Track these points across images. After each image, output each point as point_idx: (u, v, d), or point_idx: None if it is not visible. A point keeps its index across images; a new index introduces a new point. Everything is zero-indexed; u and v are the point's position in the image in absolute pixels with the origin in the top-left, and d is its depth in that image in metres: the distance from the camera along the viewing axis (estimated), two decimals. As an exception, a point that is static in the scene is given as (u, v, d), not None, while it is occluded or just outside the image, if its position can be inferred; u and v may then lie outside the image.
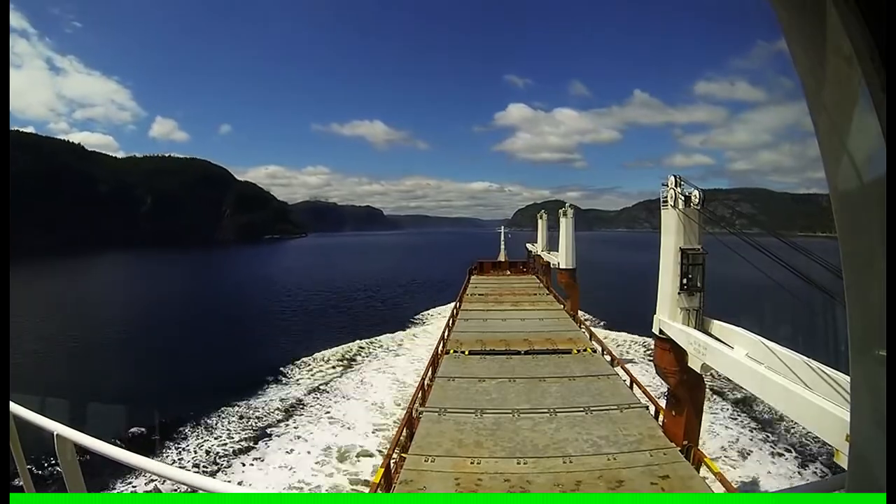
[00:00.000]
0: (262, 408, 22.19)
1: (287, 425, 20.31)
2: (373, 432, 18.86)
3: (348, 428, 19.44)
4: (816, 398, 6.40)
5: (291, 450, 17.99)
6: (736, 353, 8.81)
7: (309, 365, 28.94)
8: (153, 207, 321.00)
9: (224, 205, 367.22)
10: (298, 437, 18.99)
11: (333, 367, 28.58)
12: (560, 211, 30.88)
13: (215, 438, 19.37)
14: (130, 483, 14.91)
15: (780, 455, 17.58)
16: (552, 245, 36.67)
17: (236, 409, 22.04)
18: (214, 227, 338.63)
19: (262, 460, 17.45)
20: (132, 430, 19.60)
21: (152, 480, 14.57)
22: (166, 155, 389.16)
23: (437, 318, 40.83)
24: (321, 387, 24.85)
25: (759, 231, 10.49)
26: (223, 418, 21.08)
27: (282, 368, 28.03)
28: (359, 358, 30.33)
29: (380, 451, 16.76)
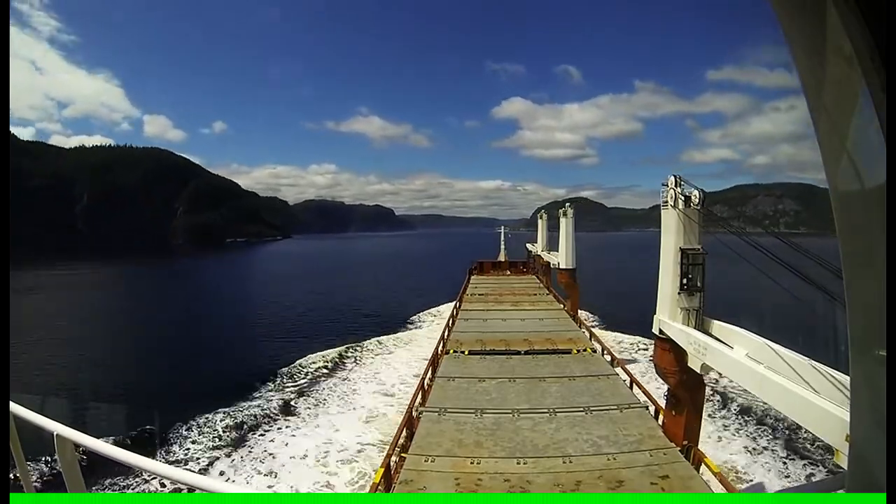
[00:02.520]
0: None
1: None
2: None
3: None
4: (816, 398, 6.40)
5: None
6: (736, 353, 8.81)
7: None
8: (92, 207, 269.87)
9: (178, 202, 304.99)
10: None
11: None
12: (560, 211, 30.88)
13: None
14: (130, 483, 14.91)
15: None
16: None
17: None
18: (166, 228, 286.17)
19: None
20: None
21: (152, 480, 14.59)
22: (123, 146, 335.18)
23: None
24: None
25: (760, 231, 10.47)
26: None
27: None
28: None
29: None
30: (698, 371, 10.14)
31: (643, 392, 13.85)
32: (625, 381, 14.70)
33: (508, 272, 47.25)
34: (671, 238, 11.32)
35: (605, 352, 18.20)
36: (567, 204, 30.32)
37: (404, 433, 11.48)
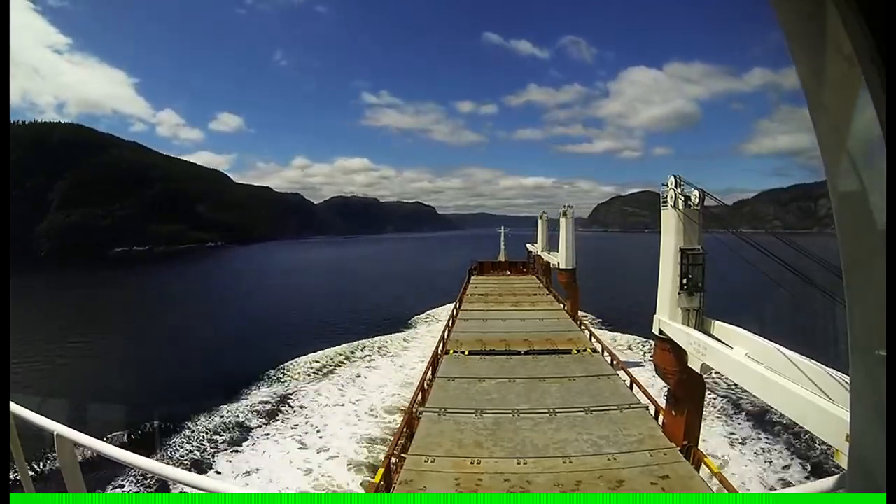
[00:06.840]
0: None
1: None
2: None
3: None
4: (816, 398, 6.40)
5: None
6: (736, 353, 8.81)
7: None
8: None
9: (52, 192, 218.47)
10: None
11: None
12: (560, 210, 30.80)
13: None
14: (130, 483, 14.90)
15: None
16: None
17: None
18: (32, 231, 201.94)
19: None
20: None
21: (152, 480, 14.58)
22: (21, 122, 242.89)
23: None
24: None
25: (761, 231, 10.47)
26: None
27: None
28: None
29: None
30: (698, 371, 10.15)
31: (643, 392, 13.86)
32: (625, 381, 14.71)
33: (508, 272, 47.18)
34: (671, 238, 11.34)
35: (605, 352, 18.22)
36: (568, 206, 30.09)
37: (404, 433, 11.48)
